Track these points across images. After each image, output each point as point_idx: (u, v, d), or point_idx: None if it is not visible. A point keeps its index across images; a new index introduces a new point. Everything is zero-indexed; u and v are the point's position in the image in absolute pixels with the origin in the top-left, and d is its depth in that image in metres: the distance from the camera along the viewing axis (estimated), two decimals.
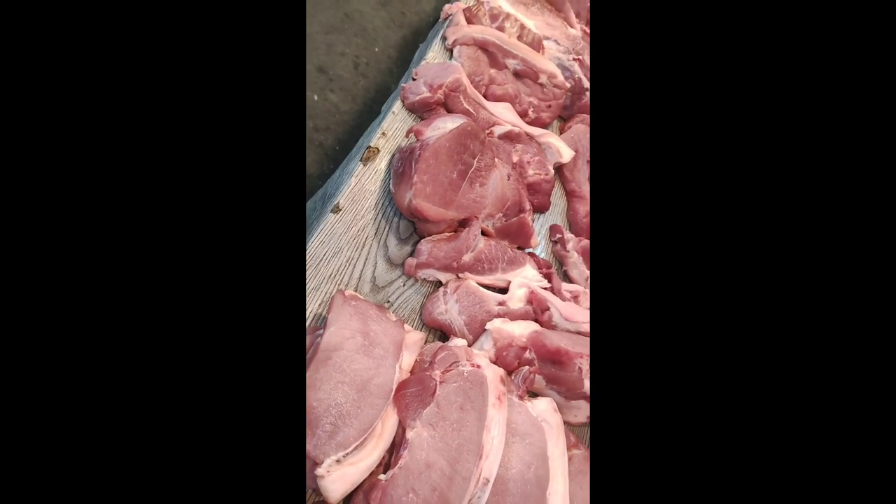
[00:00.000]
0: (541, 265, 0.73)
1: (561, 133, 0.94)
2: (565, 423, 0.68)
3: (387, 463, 0.48)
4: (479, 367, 0.55)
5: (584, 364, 0.64)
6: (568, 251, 0.80)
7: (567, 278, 0.81)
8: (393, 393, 0.49)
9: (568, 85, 0.92)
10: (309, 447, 0.43)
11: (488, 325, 0.61)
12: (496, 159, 0.72)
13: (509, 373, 0.61)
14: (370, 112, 1.07)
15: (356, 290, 0.60)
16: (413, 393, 0.50)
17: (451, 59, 0.84)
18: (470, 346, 0.61)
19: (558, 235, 0.82)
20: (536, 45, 0.92)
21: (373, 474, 0.47)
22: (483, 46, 0.85)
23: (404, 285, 0.64)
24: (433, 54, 0.84)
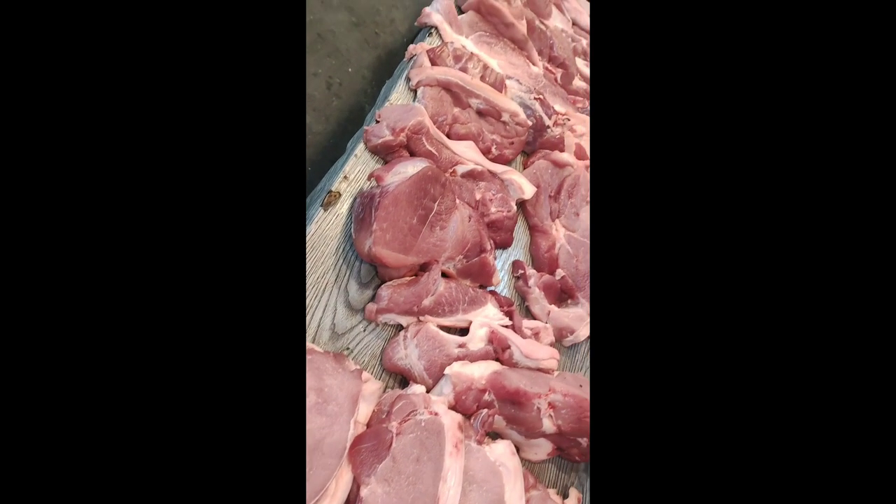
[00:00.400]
0: (502, 303, 0.75)
1: (524, 168, 0.97)
2: (526, 460, 0.69)
3: None
4: (436, 414, 0.56)
5: (543, 403, 0.65)
6: (530, 287, 0.82)
7: (529, 314, 0.83)
8: (347, 450, 0.49)
9: (529, 123, 0.95)
10: None
11: (447, 370, 0.62)
12: (457, 200, 0.74)
13: (469, 416, 0.62)
14: (343, 132, 1.07)
15: (314, 339, 0.60)
16: (368, 448, 0.50)
17: (414, 99, 0.86)
18: (429, 390, 0.62)
19: (520, 271, 0.84)
20: (499, 84, 0.94)
21: None
22: (446, 87, 0.88)
23: (365, 330, 0.64)
24: (397, 95, 0.85)
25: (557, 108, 1.03)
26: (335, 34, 1.22)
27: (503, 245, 0.84)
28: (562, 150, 0.99)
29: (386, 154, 0.76)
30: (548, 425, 0.66)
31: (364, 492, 0.48)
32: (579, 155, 1.03)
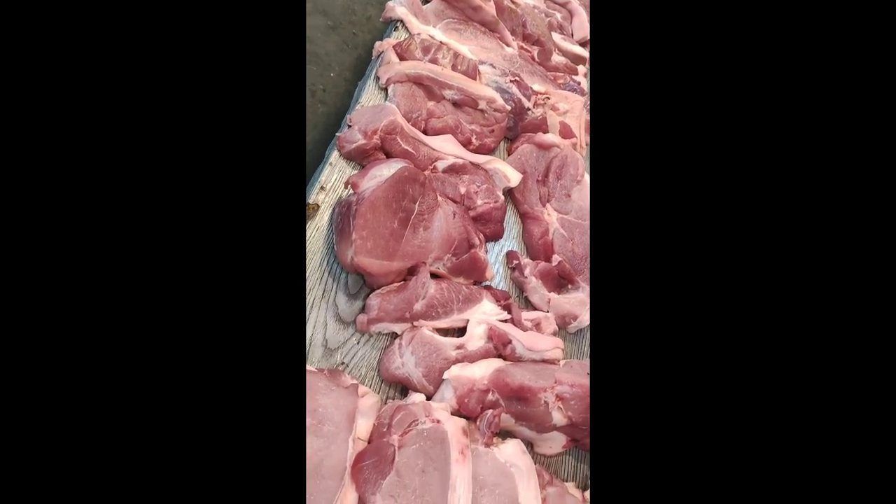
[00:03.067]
0: (498, 297, 0.73)
1: (508, 155, 0.94)
2: (541, 455, 0.67)
3: None
4: (438, 421, 0.54)
5: (550, 397, 0.63)
6: (526, 277, 0.80)
7: (529, 304, 0.81)
8: (349, 470, 0.48)
9: (508, 107, 0.92)
10: None
11: (446, 374, 0.60)
12: (439, 198, 0.71)
13: (474, 419, 0.60)
14: (333, 140, 1.06)
15: (307, 357, 0.58)
16: (371, 465, 0.49)
17: (386, 98, 0.84)
18: (430, 397, 0.60)
19: (515, 262, 0.81)
20: (472, 71, 0.91)
21: None
22: (417, 81, 0.85)
23: (358, 343, 0.63)
24: (367, 96, 0.83)
25: (536, 87, 1.00)
26: (313, 41, 1.20)
27: (494, 237, 0.82)
28: (545, 131, 0.96)
29: (361, 159, 0.74)
30: (558, 418, 0.64)
31: None
32: (564, 134, 0.99)
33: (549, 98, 0.99)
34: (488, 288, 0.74)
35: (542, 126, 0.96)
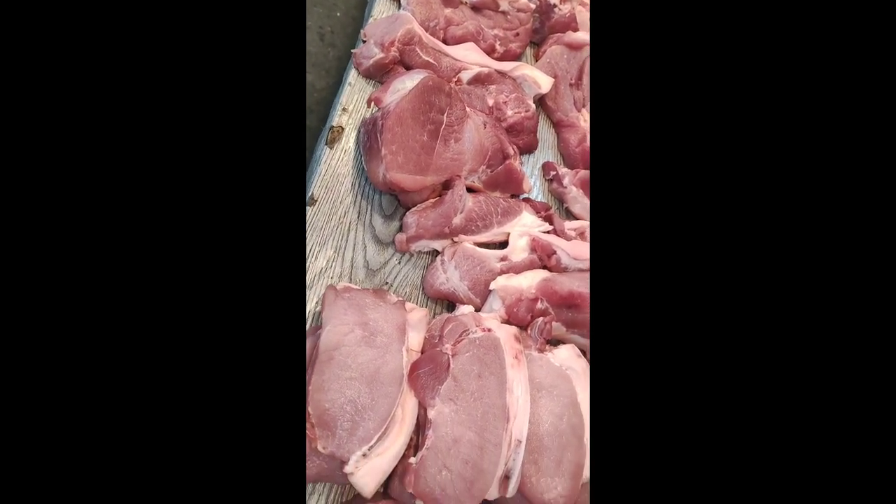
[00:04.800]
0: (538, 209, 0.70)
1: (536, 60, 0.86)
2: None
3: (416, 444, 0.48)
4: (489, 330, 0.53)
5: None
6: (565, 187, 0.75)
7: (570, 215, 0.77)
8: (406, 377, 0.48)
9: (532, 6, 0.83)
10: (332, 448, 0.43)
11: (492, 285, 0.58)
12: (468, 109, 0.67)
13: (524, 328, 0.59)
14: (350, 59, 1.02)
15: (350, 279, 0.58)
16: (427, 372, 0.49)
17: (399, 9, 0.77)
18: (478, 310, 0.59)
19: (553, 172, 0.77)
20: None
21: (405, 457, 0.47)
22: None
23: (399, 262, 0.62)
24: (380, 8, 0.77)
25: None
26: None
27: (528, 149, 0.77)
28: (575, 30, 0.87)
29: (381, 74, 0.70)
30: None
31: (432, 413, 0.47)
32: None
33: None
34: (527, 200, 0.71)
35: (571, 24, 0.87)
